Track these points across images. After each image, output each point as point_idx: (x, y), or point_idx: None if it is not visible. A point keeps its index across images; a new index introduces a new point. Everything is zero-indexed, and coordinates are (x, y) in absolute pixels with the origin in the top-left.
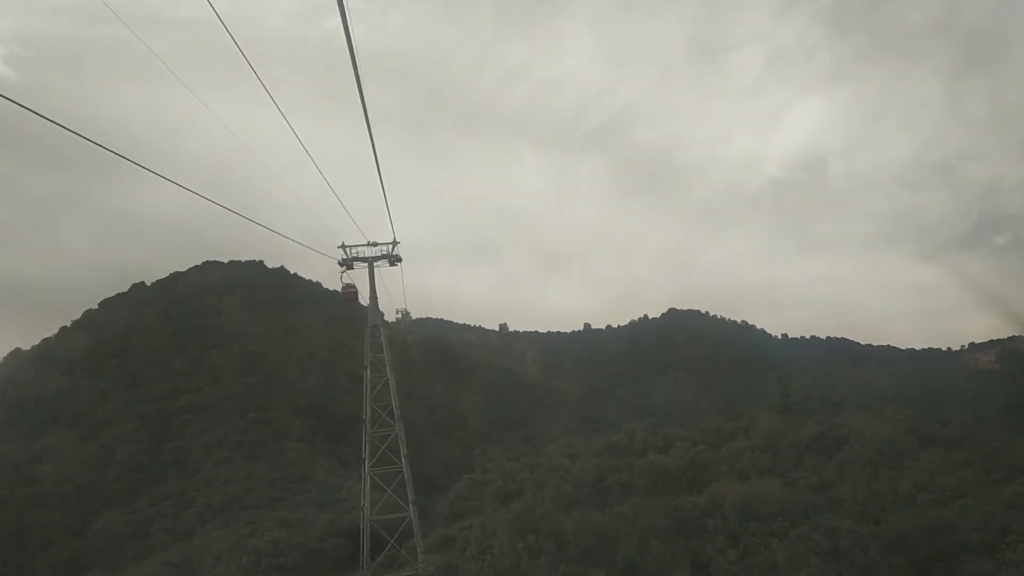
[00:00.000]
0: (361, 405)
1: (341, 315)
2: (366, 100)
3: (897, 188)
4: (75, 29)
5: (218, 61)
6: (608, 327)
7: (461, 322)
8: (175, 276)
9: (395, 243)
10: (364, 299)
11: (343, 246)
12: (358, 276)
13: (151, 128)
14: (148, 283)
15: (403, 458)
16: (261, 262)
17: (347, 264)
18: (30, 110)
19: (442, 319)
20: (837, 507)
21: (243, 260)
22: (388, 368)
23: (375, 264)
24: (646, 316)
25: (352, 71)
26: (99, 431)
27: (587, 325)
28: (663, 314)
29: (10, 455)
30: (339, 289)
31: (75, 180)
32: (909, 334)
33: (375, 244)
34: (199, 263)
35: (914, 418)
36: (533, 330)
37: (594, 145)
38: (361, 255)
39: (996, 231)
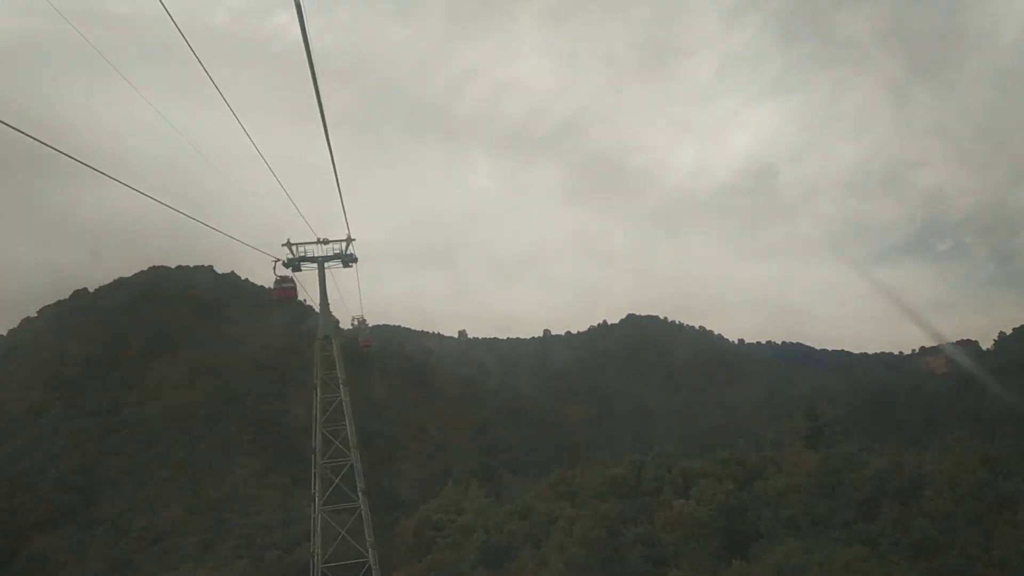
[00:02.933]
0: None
1: (294, 321)
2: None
3: (844, 194)
4: (11, 23)
5: (162, 59)
6: (568, 333)
7: (419, 329)
8: (119, 282)
9: (350, 240)
10: (310, 300)
11: (288, 243)
12: (307, 279)
13: (94, 127)
14: (91, 289)
15: (360, 494)
16: (210, 267)
17: (293, 265)
18: None
19: (399, 326)
20: None
21: (191, 265)
22: (342, 387)
23: (326, 265)
24: (605, 322)
25: (308, 68)
26: (30, 448)
27: (547, 331)
28: (622, 320)
29: None
30: (303, 297)
31: (13, 180)
32: (861, 338)
33: (326, 241)
34: (145, 268)
35: (996, 449)
36: (492, 336)
37: (548, 149)
38: (310, 254)
39: (939, 238)
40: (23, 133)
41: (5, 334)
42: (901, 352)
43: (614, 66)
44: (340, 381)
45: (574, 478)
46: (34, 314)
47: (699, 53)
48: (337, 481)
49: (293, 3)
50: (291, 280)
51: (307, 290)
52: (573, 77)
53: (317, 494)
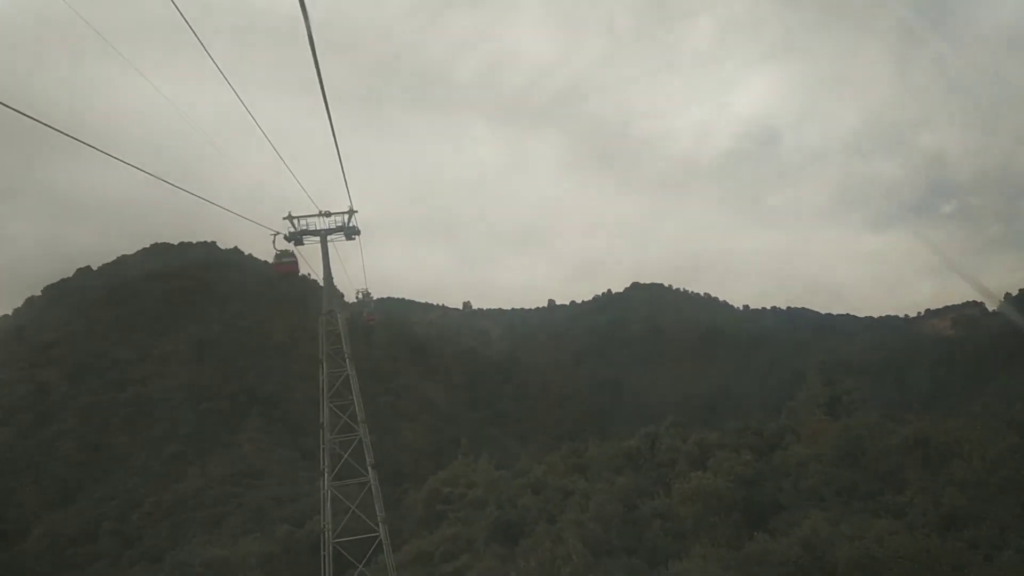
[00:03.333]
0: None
1: (298, 296)
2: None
3: (848, 158)
4: (9, 2)
5: (158, 34)
6: (572, 303)
7: (423, 301)
8: (122, 260)
9: (352, 212)
10: (314, 274)
11: (289, 216)
12: (309, 253)
13: (92, 104)
14: (94, 268)
15: (369, 468)
16: (213, 243)
17: (295, 239)
18: None
19: (404, 299)
20: (991, 559)
21: (194, 242)
22: (348, 362)
23: (329, 238)
24: (610, 291)
25: (307, 40)
26: (38, 427)
27: (551, 301)
28: (626, 288)
29: None
30: (307, 271)
31: (15, 160)
32: (866, 302)
33: (328, 214)
34: (147, 245)
35: None
36: (497, 308)
37: (548, 117)
38: (312, 227)
39: (944, 199)
40: (23, 114)
41: (10, 313)
42: (907, 315)
43: (614, 32)
44: (346, 355)
45: (586, 450)
46: (38, 293)
47: (699, 17)
48: (346, 456)
49: None
50: (292, 254)
51: (310, 264)
52: (573, 44)
53: (326, 469)
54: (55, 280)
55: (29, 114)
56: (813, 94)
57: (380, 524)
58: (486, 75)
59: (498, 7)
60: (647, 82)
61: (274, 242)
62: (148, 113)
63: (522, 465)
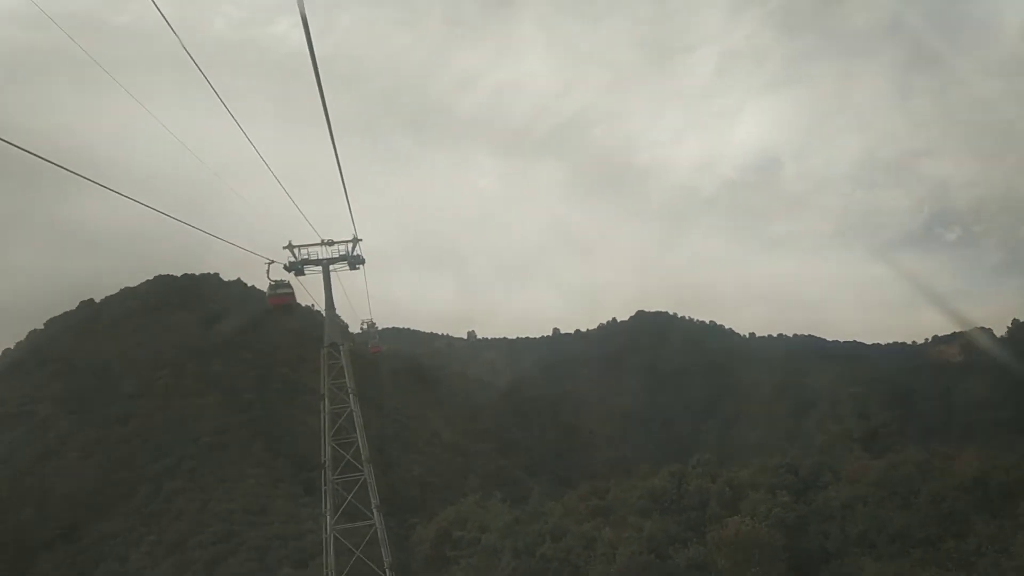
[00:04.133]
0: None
1: (303, 327)
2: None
3: (850, 187)
4: (12, 34)
5: (163, 68)
6: (577, 331)
7: (428, 331)
8: (126, 292)
9: (356, 240)
10: (317, 304)
11: (290, 246)
12: (312, 284)
13: (97, 138)
14: (97, 300)
15: (375, 510)
16: (216, 275)
17: (295, 269)
18: None
19: (408, 328)
20: None
21: (197, 274)
22: (352, 397)
23: (332, 268)
24: (615, 319)
25: (312, 71)
26: (38, 463)
27: (556, 330)
28: (631, 317)
29: None
30: (311, 302)
31: (19, 192)
32: (873, 329)
33: (331, 242)
34: (151, 278)
35: None
36: (502, 336)
37: (551, 149)
38: (314, 256)
39: (947, 227)
40: (27, 151)
41: (12, 347)
42: (914, 341)
43: (615, 64)
44: (349, 390)
45: (607, 491)
46: (41, 326)
47: (700, 49)
48: (350, 498)
49: (294, 10)
50: (287, 285)
51: (312, 295)
52: (575, 76)
53: (328, 512)
54: (58, 313)
55: (31, 151)
56: (815, 124)
57: (387, 571)
58: (489, 107)
59: (501, 41)
60: (649, 112)
61: (268, 271)
62: (154, 146)
63: (534, 505)
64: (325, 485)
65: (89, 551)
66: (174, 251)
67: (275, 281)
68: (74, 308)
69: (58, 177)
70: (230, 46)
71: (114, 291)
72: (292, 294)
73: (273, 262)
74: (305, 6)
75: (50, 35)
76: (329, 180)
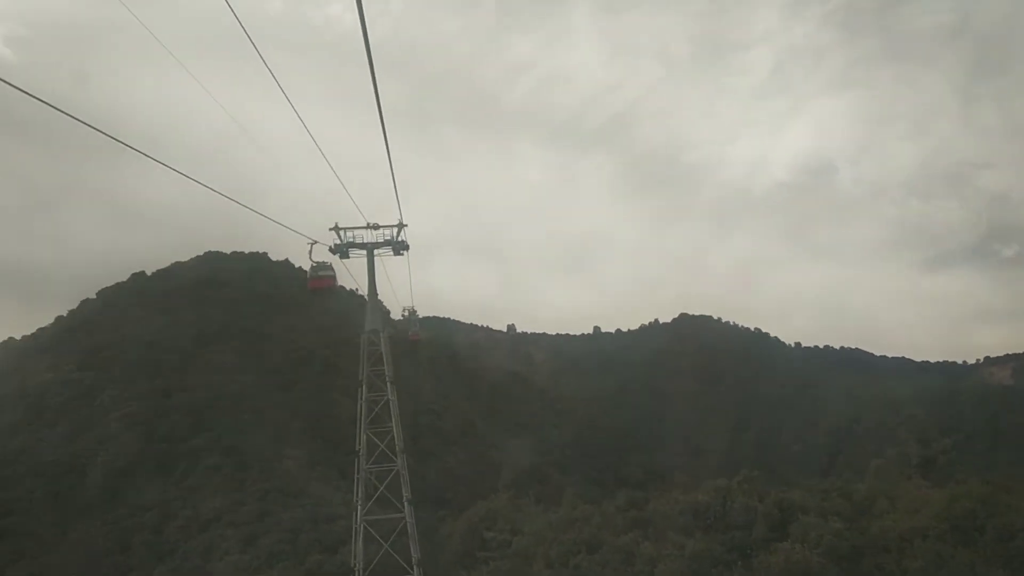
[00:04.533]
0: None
1: (344, 312)
2: (370, 86)
3: (905, 195)
4: (74, 8)
5: (219, 46)
6: (618, 331)
7: (468, 322)
8: (176, 266)
9: (402, 226)
10: (361, 288)
11: (336, 228)
12: (356, 267)
13: (153, 112)
14: (148, 273)
15: (406, 503)
16: (265, 254)
17: (340, 252)
18: (29, 94)
19: (449, 318)
20: None
21: (246, 252)
22: (389, 386)
23: (376, 252)
24: (657, 321)
25: (366, 58)
26: (82, 431)
27: (597, 328)
28: (674, 319)
29: None
30: (354, 286)
31: (78, 165)
32: (922, 345)
33: (376, 226)
34: (201, 253)
35: None
36: (542, 332)
37: (599, 142)
38: (358, 240)
39: (1005, 243)
40: (87, 125)
41: (65, 314)
42: (964, 361)
43: (668, 60)
44: (387, 379)
45: (646, 502)
46: (93, 295)
47: (757, 47)
48: (382, 489)
49: None
50: (329, 268)
51: (356, 279)
52: (626, 70)
53: (360, 502)
54: (110, 284)
55: (92, 124)
56: (872, 128)
57: (415, 567)
58: (537, 98)
59: (552, 31)
60: (701, 110)
61: (310, 252)
62: (210, 123)
63: (567, 509)
64: (358, 474)
65: (125, 521)
66: (225, 228)
67: (317, 263)
68: (125, 280)
69: (114, 150)
70: (286, 26)
71: (165, 264)
72: (333, 277)
73: (316, 242)
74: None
75: (108, 8)
76: (376, 165)
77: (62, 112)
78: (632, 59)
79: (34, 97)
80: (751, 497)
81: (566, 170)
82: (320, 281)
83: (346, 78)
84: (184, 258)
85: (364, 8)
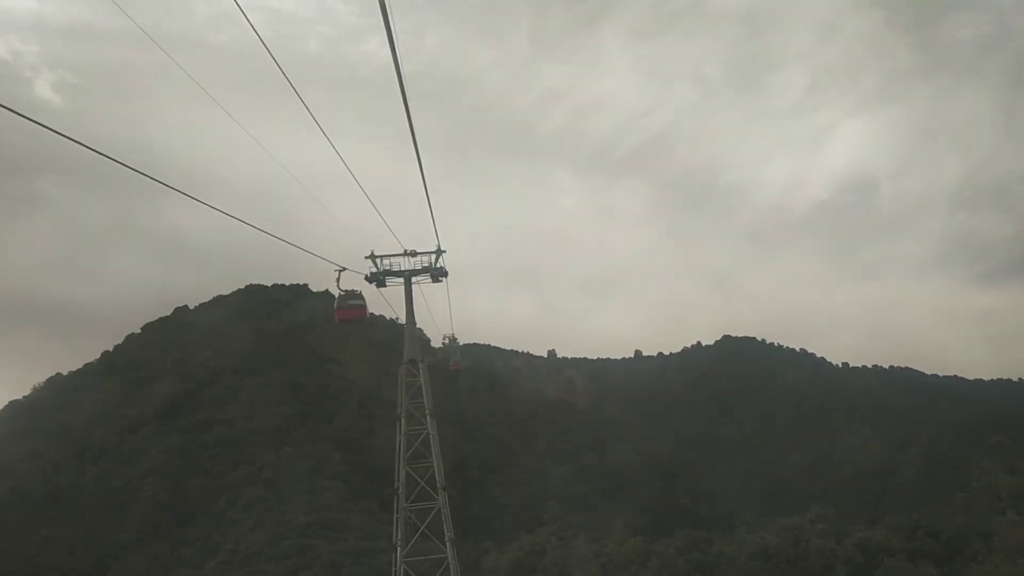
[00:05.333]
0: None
1: (385, 341)
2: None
3: (951, 210)
4: (119, 55)
5: (259, 85)
6: (660, 354)
7: (508, 348)
8: (218, 300)
9: (440, 252)
10: (400, 317)
11: (372, 256)
12: (394, 297)
13: (195, 152)
14: (191, 307)
15: (448, 543)
16: (305, 286)
17: (376, 280)
18: (74, 140)
19: (489, 345)
20: None
21: (287, 284)
22: (429, 419)
23: (414, 280)
24: (699, 343)
25: (398, 88)
26: (124, 466)
27: (638, 352)
28: (717, 341)
29: (29, 493)
30: (394, 315)
31: (122, 204)
32: (973, 362)
33: (414, 253)
34: (242, 287)
35: None
36: (582, 356)
37: (634, 167)
38: (395, 267)
39: None
40: (128, 167)
41: (111, 349)
42: (1020, 379)
43: (702, 82)
44: (427, 411)
45: (710, 544)
46: (138, 330)
47: (791, 66)
48: (423, 528)
49: (381, 30)
50: (359, 296)
51: (393, 307)
52: (660, 94)
53: (399, 543)
54: (154, 319)
55: (133, 166)
56: (913, 143)
57: None
58: (572, 125)
59: (585, 59)
60: (736, 132)
61: (338, 280)
62: (252, 161)
63: (618, 545)
64: (397, 513)
65: (165, 556)
66: (266, 262)
67: (345, 291)
68: (169, 314)
69: (157, 190)
70: (323, 64)
71: (207, 299)
72: (363, 307)
73: (344, 269)
74: (393, 26)
75: (153, 54)
76: (414, 196)
77: (108, 157)
78: (665, 83)
79: (82, 144)
80: (827, 538)
81: (602, 195)
82: (349, 312)
83: (384, 112)
84: (226, 292)
85: (398, 44)
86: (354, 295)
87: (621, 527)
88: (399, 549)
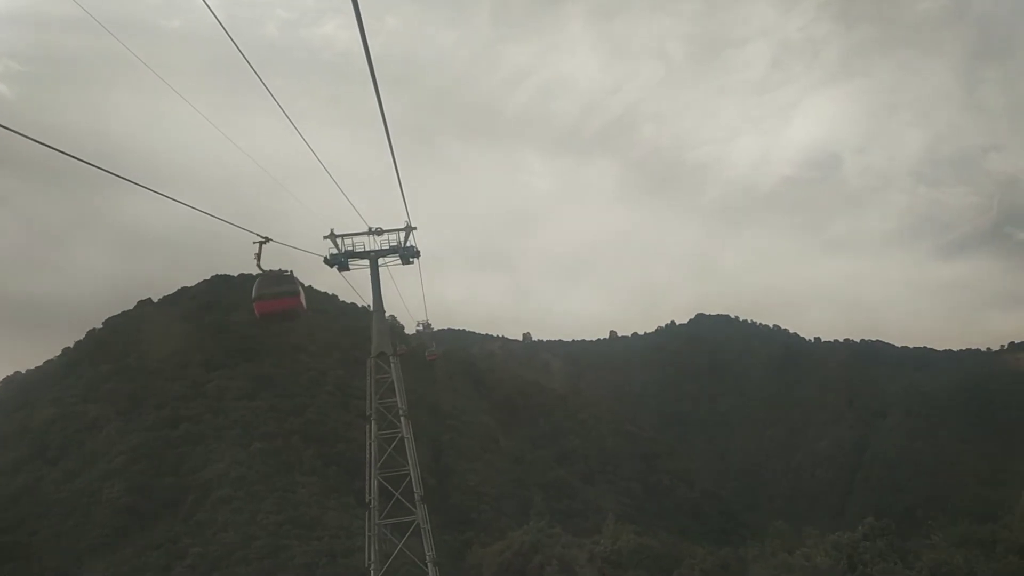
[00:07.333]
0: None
1: (358, 329)
2: (372, 99)
3: (913, 183)
4: (67, 41)
5: (215, 71)
6: (634, 334)
7: (483, 332)
8: (182, 292)
9: (410, 229)
10: (368, 302)
11: (332, 235)
12: (357, 279)
13: (151, 140)
14: (154, 300)
15: (430, 564)
16: None
17: (338, 262)
18: (23, 135)
19: (463, 330)
20: None
21: (253, 273)
22: (403, 420)
23: (381, 261)
24: (673, 322)
25: (366, 67)
26: (86, 466)
27: (613, 333)
28: (691, 320)
29: None
30: (362, 303)
31: (81, 196)
32: (943, 334)
33: (380, 231)
34: (208, 277)
35: None
36: (557, 339)
37: (601, 147)
38: (360, 248)
39: (1018, 225)
40: (86, 163)
41: (72, 346)
42: (988, 348)
43: (666, 61)
44: (400, 412)
45: (746, 569)
46: (100, 325)
47: (753, 42)
48: (400, 545)
49: (342, 11)
50: (291, 280)
51: (361, 294)
52: (624, 73)
53: (374, 564)
54: (117, 312)
55: (91, 162)
56: (876, 117)
57: None
58: (538, 106)
59: (548, 39)
60: (702, 109)
61: (257, 258)
62: (212, 148)
63: (610, 540)
64: (370, 531)
65: (131, 561)
66: (233, 251)
67: (267, 272)
68: (131, 308)
69: (116, 181)
70: (281, 49)
71: (172, 291)
72: (296, 295)
73: (268, 240)
74: (349, 8)
75: (104, 40)
76: (378, 181)
77: (60, 152)
78: (630, 62)
79: (28, 137)
80: (889, 558)
81: (571, 176)
82: (274, 303)
83: (344, 96)
84: (191, 283)
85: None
86: (283, 278)
87: (611, 524)
88: (373, 570)
